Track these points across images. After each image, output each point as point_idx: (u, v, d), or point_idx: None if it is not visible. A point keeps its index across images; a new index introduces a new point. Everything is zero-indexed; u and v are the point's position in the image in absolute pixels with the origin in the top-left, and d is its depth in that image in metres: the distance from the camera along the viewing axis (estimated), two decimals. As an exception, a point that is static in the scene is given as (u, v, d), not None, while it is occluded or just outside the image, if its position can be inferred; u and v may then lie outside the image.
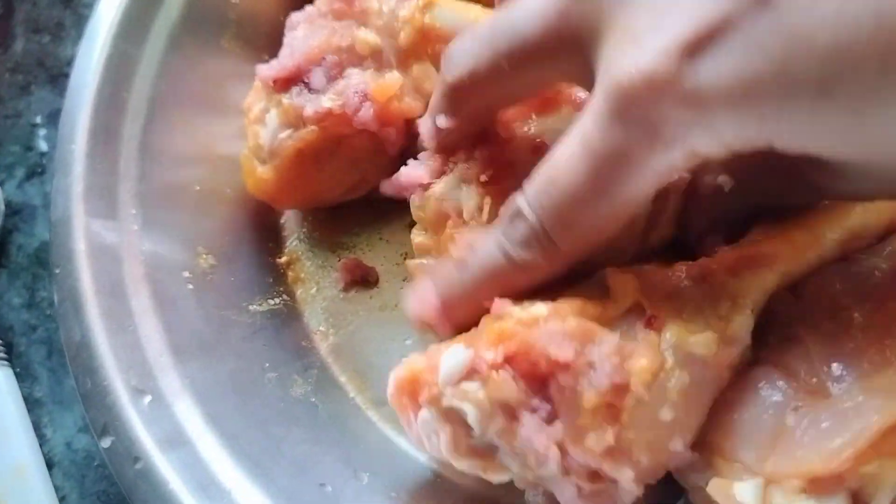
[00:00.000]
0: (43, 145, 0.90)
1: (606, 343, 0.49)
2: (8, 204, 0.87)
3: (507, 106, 0.59)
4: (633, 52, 0.44)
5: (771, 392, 0.51)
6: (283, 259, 0.73)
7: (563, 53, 0.50)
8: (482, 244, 0.53)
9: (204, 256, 0.68)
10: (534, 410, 0.49)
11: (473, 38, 0.53)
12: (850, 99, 0.38)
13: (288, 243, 0.74)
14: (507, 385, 0.49)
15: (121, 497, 0.71)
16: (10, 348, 0.79)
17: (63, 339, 0.62)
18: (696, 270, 0.55)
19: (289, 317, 0.70)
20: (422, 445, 0.54)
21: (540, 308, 0.51)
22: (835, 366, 0.50)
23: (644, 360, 0.49)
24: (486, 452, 0.52)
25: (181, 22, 0.73)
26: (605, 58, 0.46)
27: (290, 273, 0.72)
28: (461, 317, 0.54)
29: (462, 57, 0.54)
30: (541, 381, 0.49)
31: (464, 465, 0.52)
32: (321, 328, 0.70)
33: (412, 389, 0.53)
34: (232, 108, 0.74)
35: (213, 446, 0.57)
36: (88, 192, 0.65)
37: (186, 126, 0.72)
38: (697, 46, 0.41)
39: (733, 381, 0.53)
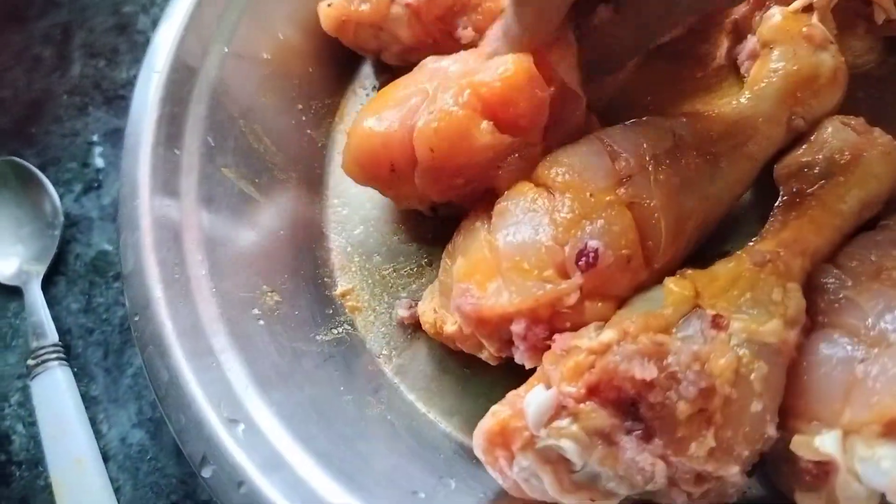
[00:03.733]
0: (99, 162, 0.96)
1: (683, 352, 0.52)
2: (66, 216, 0.92)
3: None
4: None
5: (835, 350, 0.55)
6: (339, 291, 0.76)
7: None
8: None
9: (269, 294, 0.72)
10: (629, 432, 0.52)
11: None
12: None
13: (341, 276, 0.78)
14: (599, 414, 0.52)
15: (171, 488, 0.77)
16: (68, 350, 0.84)
17: (150, 381, 0.64)
18: (736, 266, 0.59)
19: (353, 344, 0.74)
20: (519, 492, 0.55)
21: (608, 333, 0.54)
22: (891, 316, 0.54)
23: (723, 360, 0.52)
24: (589, 483, 0.53)
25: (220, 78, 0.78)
26: None
27: (347, 304, 0.76)
28: None
29: None
30: (628, 402, 0.52)
31: (572, 500, 0.54)
32: (384, 352, 0.74)
33: (503, 440, 0.54)
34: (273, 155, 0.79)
35: (309, 466, 0.60)
36: (157, 244, 0.69)
37: (236, 176, 0.76)
38: None
39: (800, 346, 0.56)
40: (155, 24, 0.79)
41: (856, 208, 0.62)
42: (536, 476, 0.54)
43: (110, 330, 0.85)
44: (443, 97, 0.65)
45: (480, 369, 0.69)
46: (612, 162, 0.63)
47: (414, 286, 0.75)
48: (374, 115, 0.68)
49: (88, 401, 0.81)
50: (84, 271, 0.89)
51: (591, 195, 0.61)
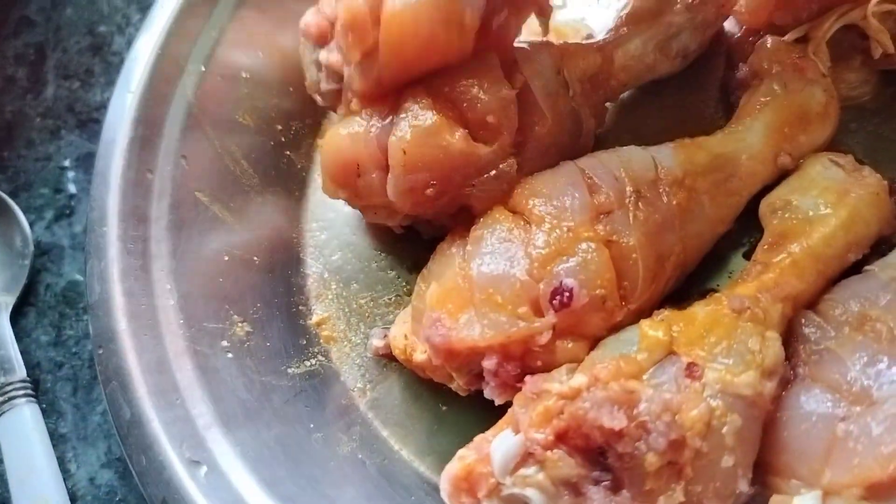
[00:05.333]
0: (71, 188, 0.93)
1: (654, 401, 0.51)
2: (37, 244, 0.89)
3: None
4: None
5: (816, 406, 0.53)
6: (314, 320, 0.75)
7: None
8: None
9: (240, 325, 0.70)
10: (597, 482, 0.51)
11: None
12: None
13: (317, 304, 0.76)
14: (566, 462, 0.50)
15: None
16: (37, 384, 0.82)
17: (113, 419, 0.63)
18: (714, 310, 0.56)
19: (326, 376, 0.72)
20: None
21: (578, 378, 0.53)
22: (874, 371, 0.52)
23: (695, 412, 0.50)
24: None
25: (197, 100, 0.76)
26: None
27: (322, 333, 0.74)
28: None
29: None
30: (597, 451, 0.51)
31: None
32: (359, 385, 0.72)
33: (469, 486, 0.53)
34: (250, 178, 0.77)
35: (268, 516, 0.59)
36: (124, 273, 0.67)
37: (209, 200, 0.74)
38: None
39: (778, 400, 0.55)
40: (130, 44, 0.77)
41: (841, 252, 0.60)
42: None
43: (80, 364, 0.83)
44: (413, 98, 0.64)
45: (456, 406, 0.67)
46: (592, 195, 0.61)
47: (391, 316, 0.73)
48: (347, 119, 0.67)
49: (56, 438, 0.78)
50: (54, 302, 0.87)
51: (568, 230, 0.60)
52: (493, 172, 0.64)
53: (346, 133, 0.66)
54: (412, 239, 0.73)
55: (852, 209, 0.61)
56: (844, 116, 0.71)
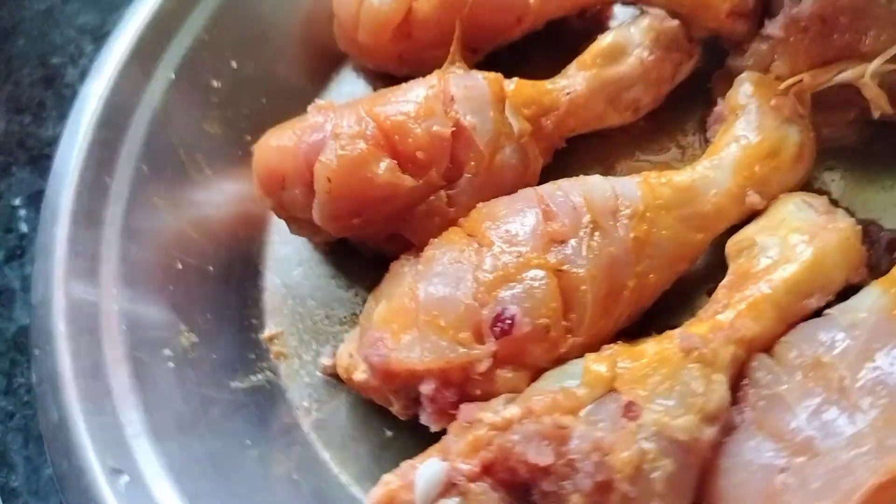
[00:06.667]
0: (23, 227, 0.89)
1: (585, 439, 0.49)
2: None
3: None
4: None
5: (757, 455, 0.51)
6: (267, 334, 0.73)
7: None
8: None
9: (186, 334, 0.68)
10: None
11: None
12: None
13: (270, 318, 0.74)
14: (489, 497, 0.49)
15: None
16: None
17: (40, 421, 0.61)
18: (663, 348, 0.55)
19: (272, 393, 0.70)
20: None
21: (512, 409, 0.51)
22: (819, 421, 0.50)
23: (625, 454, 0.48)
24: None
25: (163, 107, 0.74)
26: None
27: (273, 349, 0.72)
28: None
29: None
30: (522, 486, 0.49)
31: None
32: (305, 404, 0.70)
33: None
34: (214, 187, 0.75)
35: (189, 527, 0.57)
36: (70, 275, 0.66)
37: (168, 206, 0.72)
38: None
39: (720, 445, 0.52)
40: (84, 76, 0.74)
41: (802, 297, 0.57)
42: None
43: (31, 414, 0.79)
44: (346, 122, 0.63)
45: (402, 432, 0.65)
46: (547, 222, 0.59)
47: (345, 335, 0.71)
48: (282, 129, 0.68)
49: (7, 493, 0.75)
50: (4, 349, 0.83)
51: (518, 255, 0.58)
52: (423, 207, 0.63)
53: (276, 145, 0.66)
54: (374, 258, 0.71)
55: (819, 253, 0.58)
56: (825, 156, 0.69)
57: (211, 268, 0.73)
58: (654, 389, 0.52)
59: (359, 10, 0.73)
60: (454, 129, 0.64)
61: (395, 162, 0.62)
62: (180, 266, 0.71)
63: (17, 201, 0.91)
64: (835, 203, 0.67)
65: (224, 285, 0.73)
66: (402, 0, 0.71)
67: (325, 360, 0.69)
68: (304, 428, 0.68)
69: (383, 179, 0.62)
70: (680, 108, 0.75)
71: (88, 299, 0.65)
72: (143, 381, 0.63)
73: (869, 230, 0.64)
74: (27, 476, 0.76)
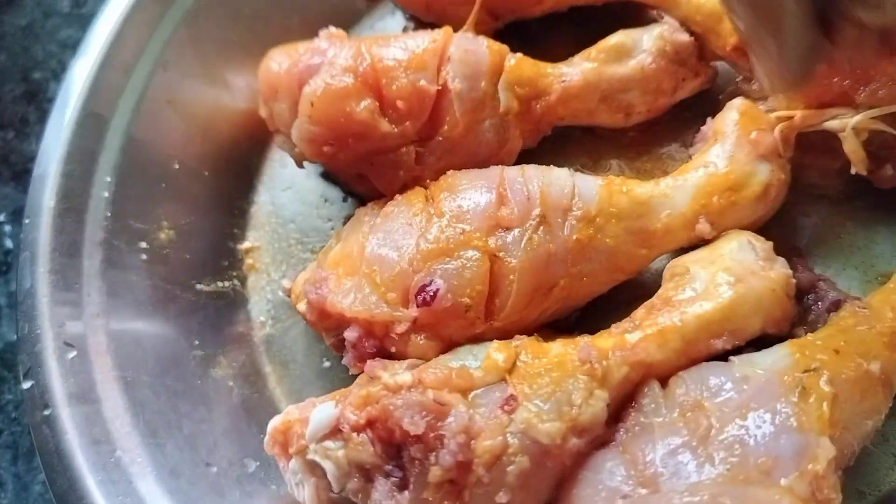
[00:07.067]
0: (8, 243, 0.89)
1: (458, 420, 0.52)
2: None
3: None
4: None
5: (608, 476, 0.53)
6: (244, 246, 0.78)
7: None
8: None
9: (166, 231, 0.73)
10: (388, 475, 0.53)
11: None
12: None
13: (251, 232, 0.78)
14: (365, 449, 0.53)
15: None
16: None
17: (17, 285, 0.67)
18: (566, 353, 0.57)
19: (234, 301, 0.75)
20: (293, 490, 0.57)
21: (405, 376, 0.55)
22: (672, 462, 0.52)
23: (488, 442, 0.52)
24: None
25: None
26: None
27: (247, 260, 0.77)
28: None
29: None
30: (397, 448, 0.53)
31: None
32: (261, 318, 0.75)
33: (283, 440, 0.57)
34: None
35: (116, 408, 0.63)
36: (68, 161, 0.71)
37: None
38: None
39: (586, 456, 0.55)
40: None
41: (710, 336, 0.58)
42: (303, 483, 0.56)
43: (20, 430, 0.79)
44: (344, 53, 0.67)
45: (338, 367, 0.69)
46: (499, 207, 0.62)
47: (310, 265, 0.74)
48: (292, 46, 0.72)
49: None
50: None
51: (462, 233, 0.61)
52: (392, 156, 0.66)
53: (279, 58, 0.70)
54: (359, 197, 0.75)
55: (737, 297, 0.58)
56: (804, 200, 0.70)
57: (206, 172, 0.77)
58: (537, 390, 0.54)
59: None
60: (439, 88, 0.66)
61: (377, 104, 0.65)
62: (177, 166, 0.76)
63: (1, 217, 0.90)
64: (797, 251, 0.67)
65: (214, 191, 0.78)
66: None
67: (286, 284, 0.74)
68: (255, 340, 0.74)
69: (361, 117, 0.65)
70: (683, 121, 0.75)
71: (80, 185, 0.70)
72: (115, 266, 0.69)
73: (818, 286, 0.63)
74: (17, 493, 0.76)
